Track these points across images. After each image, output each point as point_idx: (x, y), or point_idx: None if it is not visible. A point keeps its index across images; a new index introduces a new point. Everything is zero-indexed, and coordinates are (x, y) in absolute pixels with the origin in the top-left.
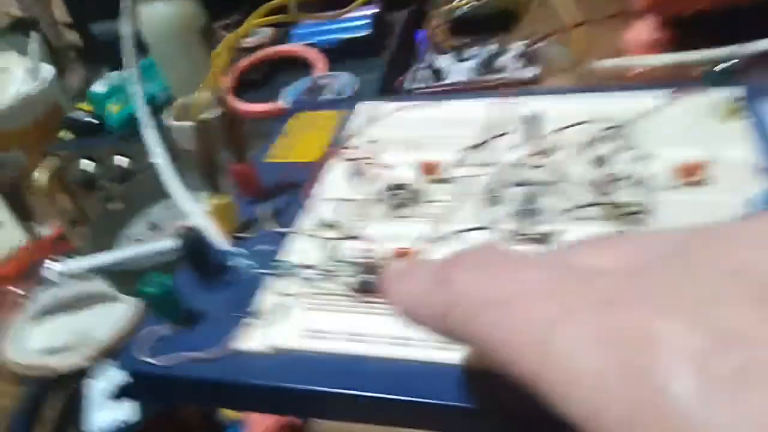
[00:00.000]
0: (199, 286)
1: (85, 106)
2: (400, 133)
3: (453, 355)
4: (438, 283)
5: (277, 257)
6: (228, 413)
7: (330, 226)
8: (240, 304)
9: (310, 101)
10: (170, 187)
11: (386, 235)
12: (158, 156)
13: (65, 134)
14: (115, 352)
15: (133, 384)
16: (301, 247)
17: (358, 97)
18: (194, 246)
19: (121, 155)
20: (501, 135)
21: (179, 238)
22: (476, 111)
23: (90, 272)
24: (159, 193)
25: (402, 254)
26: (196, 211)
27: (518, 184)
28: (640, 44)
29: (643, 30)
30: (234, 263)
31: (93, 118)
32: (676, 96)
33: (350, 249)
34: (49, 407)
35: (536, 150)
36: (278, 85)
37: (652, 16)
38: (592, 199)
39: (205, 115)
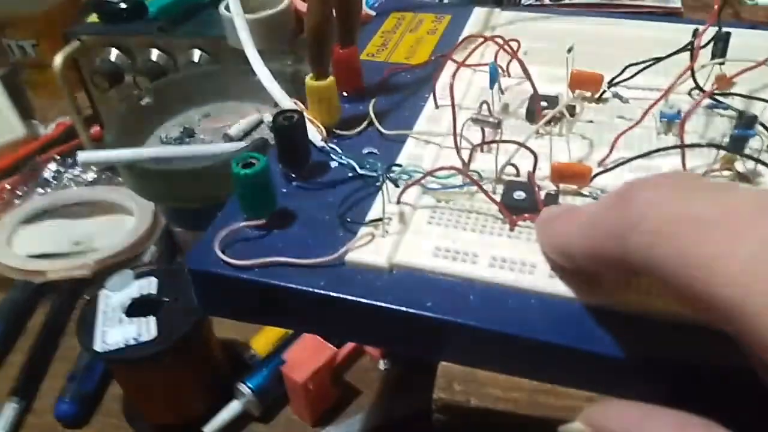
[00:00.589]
0: (290, 184)
1: None
2: (531, 44)
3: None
4: (613, 205)
5: (393, 162)
6: (257, 348)
7: (474, 126)
8: (348, 210)
9: (406, 3)
10: (256, 68)
11: (537, 151)
12: (241, 29)
13: (93, 19)
14: (121, 264)
15: (201, 291)
16: (419, 154)
17: (460, 4)
18: (293, 132)
19: (158, 49)
20: (682, 51)
21: (274, 122)
22: (624, 31)
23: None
24: (197, 97)
25: (567, 172)
26: (286, 98)
27: (709, 111)
28: None
29: None
30: (340, 162)
31: (128, 2)
32: None
33: (484, 161)
34: (43, 315)
35: (730, 78)
36: None
37: None
38: None
39: None
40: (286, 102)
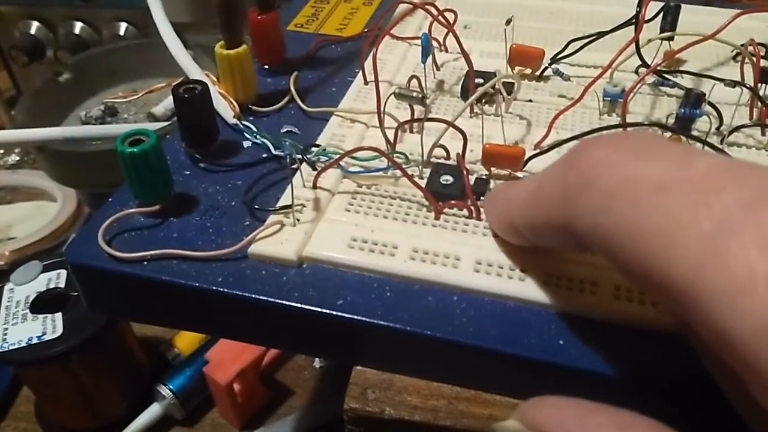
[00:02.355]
0: (195, 166)
1: None
2: (471, 18)
3: (573, 298)
4: (560, 168)
5: (310, 141)
6: (181, 346)
7: (402, 104)
8: (257, 195)
9: None
10: (163, 34)
11: (466, 132)
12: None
13: None
14: (39, 254)
15: (84, 287)
16: (342, 134)
17: None
18: (195, 106)
19: (81, 21)
20: (624, 26)
21: (173, 94)
22: (567, 5)
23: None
24: (122, 73)
25: (499, 155)
26: (195, 68)
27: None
28: None
29: None
30: (249, 141)
31: None
32: None
33: (410, 142)
34: None
35: (676, 52)
36: None
37: None
38: (753, 121)
39: None
40: (196, 73)
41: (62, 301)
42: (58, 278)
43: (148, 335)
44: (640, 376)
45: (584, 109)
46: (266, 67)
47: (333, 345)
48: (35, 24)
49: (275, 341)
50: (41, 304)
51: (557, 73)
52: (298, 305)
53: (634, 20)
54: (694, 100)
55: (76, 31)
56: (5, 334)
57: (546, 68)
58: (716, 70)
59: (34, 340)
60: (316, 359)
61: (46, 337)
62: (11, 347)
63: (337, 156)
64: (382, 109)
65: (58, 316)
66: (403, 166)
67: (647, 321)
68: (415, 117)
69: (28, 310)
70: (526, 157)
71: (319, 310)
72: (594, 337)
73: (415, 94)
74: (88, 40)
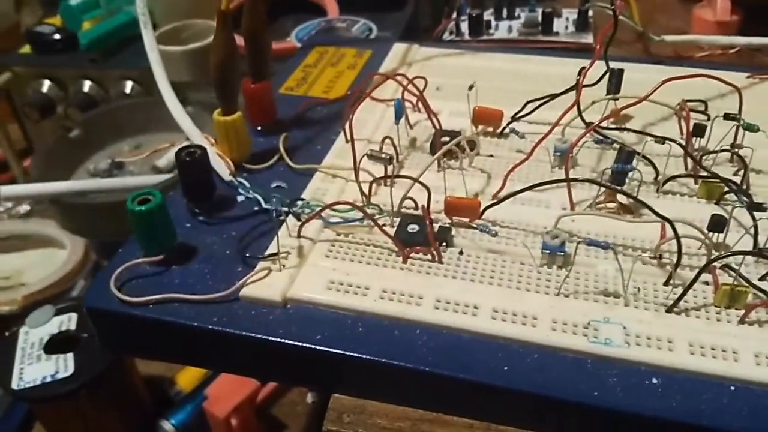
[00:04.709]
0: (195, 219)
1: (55, 20)
2: (444, 80)
3: (516, 329)
4: None
5: (297, 196)
6: (182, 384)
7: (370, 165)
8: (249, 244)
9: (330, 40)
10: (167, 100)
11: (433, 185)
12: (154, 61)
13: (26, 50)
14: (49, 299)
15: (99, 328)
16: (325, 188)
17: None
18: (196, 168)
19: (90, 80)
20: (574, 89)
21: (177, 157)
22: (531, 67)
23: (28, 206)
24: (128, 129)
25: (458, 206)
26: (196, 131)
27: (598, 145)
28: (708, 24)
29: (713, 10)
30: (243, 196)
31: (62, 34)
32: (758, 78)
33: (385, 196)
34: None
35: (621, 110)
36: (281, 27)
37: None
38: (687, 172)
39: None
40: (196, 135)
41: (73, 342)
42: (69, 321)
43: (152, 373)
44: (549, 395)
45: (538, 162)
46: (260, 128)
47: (313, 375)
48: (47, 83)
49: (264, 373)
50: (54, 344)
51: (514, 131)
52: (282, 340)
53: (584, 84)
54: (625, 156)
55: (86, 89)
56: (21, 374)
57: (505, 126)
58: (660, 124)
59: (48, 379)
60: (309, 395)
61: (59, 376)
62: (27, 385)
63: (319, 209)
64: (357, 166)
65: (70, 356)
66: (376, 216)
67: (574, 349)
68: (387, 173)
69: (42, 351)
70: (484, 206)
71: (300, 344)
72: (534, 363)
73: (383, 155)
74: (97, 98)
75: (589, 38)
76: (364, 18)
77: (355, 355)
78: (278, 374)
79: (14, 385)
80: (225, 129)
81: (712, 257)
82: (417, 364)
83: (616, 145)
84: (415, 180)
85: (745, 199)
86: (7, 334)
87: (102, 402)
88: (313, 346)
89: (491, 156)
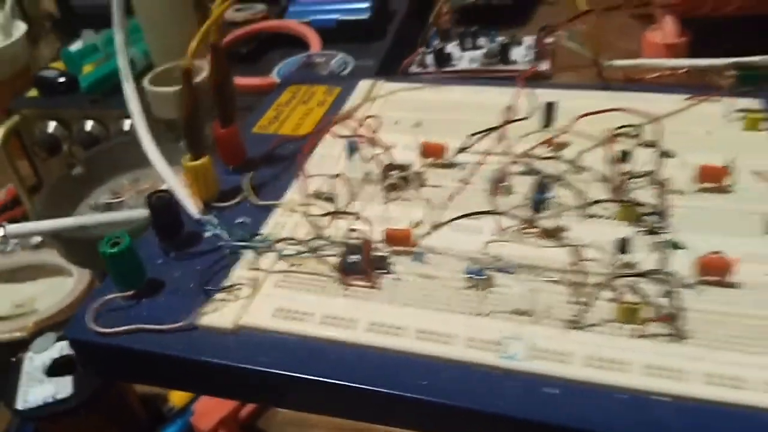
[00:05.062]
0: (166, 255)
1: (58, 65)
2: (403, 114)
3: (436, 347)
4: None
5: (257, 231)
6: (174, 401)
7: (319, 201)
8: (211, 277)
9: (305, 76)
10: (144, 146)
11: (378, 216)
12: (134, 111)
13: (33, 93)
14: (58, 325)
15: (79, 356)
16: (284, 223)
17: (357, 77)
18: (163, 210)
19: (92, 119)
20: (513, 122)
21: (148, 201)
22: (485, 98)
23: (40, 237)
24: (126, 164)
25: (395, 236)
26: (169, 174)
27: (528, 174)
28: (658, 46)
29: (662, 32)
30: (209, 233)
31: (66, 77)
32: (697, 100)
33: (337, 228)
34: None
35: (550, 140)
36: (268, 62)
37: (674, 16)
38: (607, 196)
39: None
40: (169, 178)
41: (73, 365)
42: (69, 346)
43: (146, 392)
44: (460, 405)
45: (480, 192)
46: (231, 167)
47: (261, 393)
48: (53, 123)
49: (221, 392)
50: (56, 368)
51: (457, 163)
52: (233, 363)
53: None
54: (542, 187)
55: (88, 128)
56: (26, 396)
57: (451, 158)
58: (594, 150)
59: (50, 400)
60: None
61: (59, 396)
62: (30, 406)
63: (270, 243)
64: (308, 202)
65: (69, 378)
66: (325, 248)
67: (485, 364)
68: (336, 209)
69: (44, 375)
70: (422, 235)
71: (249, 366)
72: (450, 377)
73: (325, 195)
74: (99, 136)
75: (546, 66)
76: (348, 49)
77: (295, 375)
78: (233, 393)
79: (19, 406)
80: (194, 172)
81: (614, 276)
82: (348, 380)
83: (548, 173)
84: (356, 215)
85: (658, 221)
86: (13, 359)
87: (100, 419)
88: (258, 368)
89: (437, 186)
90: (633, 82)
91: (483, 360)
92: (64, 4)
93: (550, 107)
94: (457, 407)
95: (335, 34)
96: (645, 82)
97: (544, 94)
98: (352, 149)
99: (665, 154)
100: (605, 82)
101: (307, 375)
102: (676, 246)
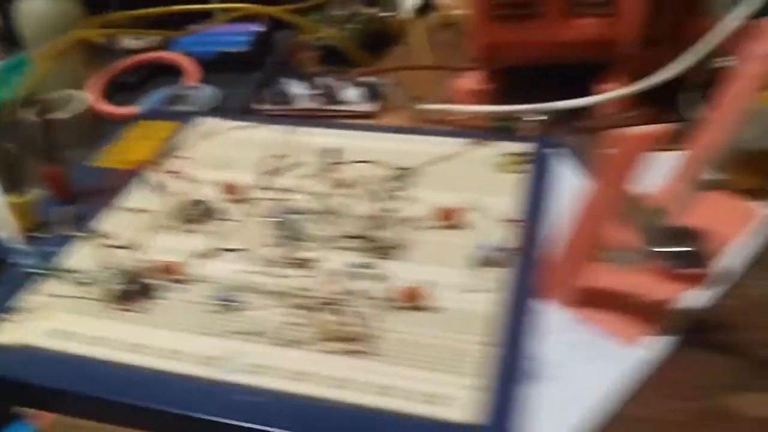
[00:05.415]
0: None
1: None
2: (217, 151)
3: (170, 364)
4: None
5: (58, 259)
6: None
7: (117, 232)
8: (8, 300)
9: (161, 110)
10: None
11: (165, 247)
12: None
13: None
14: None
15: None
16: (84, 252)
17: (220, 111)
18: None
19: None
20: (295, 164)
21: None
22: (301, 137)
23: None
24: None
25: (165, 268)
26: None
27: (294, 212)
28: (464, 92)
29: (470, 79)
30: (11, 260)
31: None
32: (471, 144)
33: (124, 258)
34: None
35: (326, 180)
36: (150, 91)
37: (481, 67)
38: (357, 232)
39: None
40: None
41: None
42: None
43: None
44: (185, 413)
45: (260, 223)
46: (59, 200)
47: (47, 402)
48: None
49: (7, 400)
50: None
51: (251, 198)
52: (9, 375)
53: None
54: (296, 223)
55: None
56: None
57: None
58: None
59: None
60: None
61: None
62: None
63: (57, 271)
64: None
65: None
66: (108, 277)
67: (207, 377)
68: (130, 241)
69: None
70: (194, 265)
71: (17, 377)
72: (179, 388)
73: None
74: None
75: (373, 106)
76: (227, 79)
77: (59, 387)
78: (16, 401)
79: None
80: (12, 208)
81: (325, 302)
82: (99, 393)
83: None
84: (127, 247)
85: (385, 254)
86: None
87: None
88: (28, 381)
89: (229, 220)
90: (444, 124)
91: (207, 374)
92: None
93: (327, 153)
94: (182, 415)
95: (215, 65)
96: (454, 125)
97: (339, 135)
98: (158, 185)
99: (411, 197)
100: (409, 126)
101: (68, 387)
102: (382, 277)
